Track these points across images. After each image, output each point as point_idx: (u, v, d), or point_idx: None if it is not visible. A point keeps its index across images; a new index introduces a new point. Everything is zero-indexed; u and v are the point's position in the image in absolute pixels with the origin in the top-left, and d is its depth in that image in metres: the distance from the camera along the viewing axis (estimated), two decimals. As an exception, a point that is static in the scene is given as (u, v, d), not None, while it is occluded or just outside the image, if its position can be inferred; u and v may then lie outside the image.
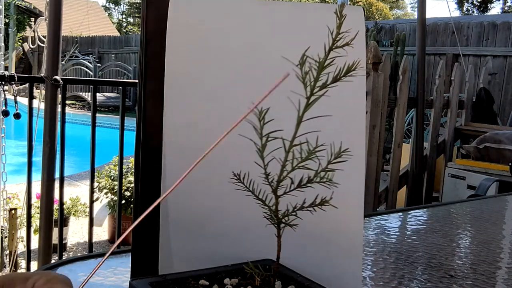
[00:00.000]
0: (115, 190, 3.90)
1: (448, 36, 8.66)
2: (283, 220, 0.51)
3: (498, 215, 1.28)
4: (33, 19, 15.77)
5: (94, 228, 3.41)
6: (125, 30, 31.35)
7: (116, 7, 35.57)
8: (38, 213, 2.98)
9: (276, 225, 0.52)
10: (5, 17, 3.80)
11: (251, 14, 0.60)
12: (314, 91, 0.48)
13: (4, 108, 2.79)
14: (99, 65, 14.79)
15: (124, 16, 35.36)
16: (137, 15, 32.18)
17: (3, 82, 2.68)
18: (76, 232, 4.37)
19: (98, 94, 4.95)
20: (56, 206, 2.79)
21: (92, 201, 2.92)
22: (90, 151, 2.79)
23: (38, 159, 2.65)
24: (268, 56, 0.60)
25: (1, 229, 3.13)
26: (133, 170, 3.89)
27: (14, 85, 2.62)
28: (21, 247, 3.28)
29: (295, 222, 0.51)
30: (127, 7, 34.65)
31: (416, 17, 4.35)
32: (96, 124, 2.80)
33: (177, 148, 0.58)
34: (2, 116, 2.90)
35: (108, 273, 0.68)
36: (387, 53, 4.39)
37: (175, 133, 0.58)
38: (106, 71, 14.99)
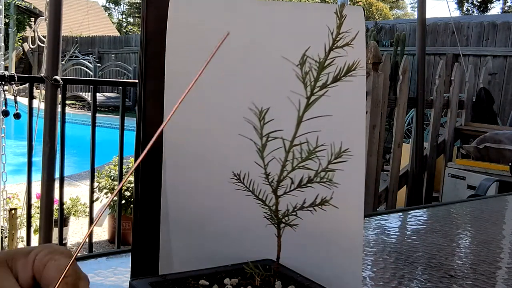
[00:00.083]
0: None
1: (448, 36, 8.67)
2: (283, 220, 0.51)
3: (498, 215, 1.28)
4: (33, 19, 15.77)
5: (94, 228, 3.41)
6: (125, 30, 31.36)
7: (116, 7, 35.59)
8: (38, 213, 2.99)
9: (276, 225, 0.52)
10: (5, 17, 3.80)
11: (251, 14, 0.60)
12: (314, 91, 0.48)
13: (4, 108, 2.80)
14: (99, 65, 14.80)
15: (124, 16, 35.38)
16: (137, 15, 32.18)
17: (3, 82, 2.68)
18: (76, 232, 4.37)
19: (98, 94, 4.95)
20: (56, 206, 2.79)
21: (92, 201, 2.92)
22: (90, 151, 2.79)
23: (38, 159, 2.65)
24: (268, 56, 0.60)
25: (1, 229, 3.13)
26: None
27: (14, 85, 2.62)
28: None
29: (295, 222, 0.51)
30: (127, 7, 34.67)
31: (416, 17, 4.35)
32: (96, 124, 2.80)
33: (177, 148, 0.58)
34: (2, 116, 2.90)
35: (108, 273, 0.68)
36: (387, 53, 4.39)
37: (175, 133, 0.58)
38: (106, 71, 15.00)
